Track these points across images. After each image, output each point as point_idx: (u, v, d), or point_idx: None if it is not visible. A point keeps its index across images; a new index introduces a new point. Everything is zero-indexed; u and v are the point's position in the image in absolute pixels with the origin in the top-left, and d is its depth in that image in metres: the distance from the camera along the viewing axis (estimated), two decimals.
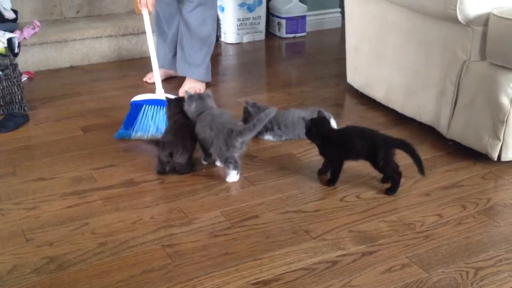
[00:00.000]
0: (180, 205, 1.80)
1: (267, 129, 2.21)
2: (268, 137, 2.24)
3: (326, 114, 2.25)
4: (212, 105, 2.04)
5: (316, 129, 1.89)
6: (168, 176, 1.97)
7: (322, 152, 1.93)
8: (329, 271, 1.49)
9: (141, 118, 2.24)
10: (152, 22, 2.48)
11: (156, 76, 2.37)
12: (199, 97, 2.03)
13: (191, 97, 2.02)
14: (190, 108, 2.00)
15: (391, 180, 1.88)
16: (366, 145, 1.84)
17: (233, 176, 1.94)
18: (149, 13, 2.43)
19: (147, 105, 2.26)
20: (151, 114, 2.25)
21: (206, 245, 1.60)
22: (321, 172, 1.97)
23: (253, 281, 1.46)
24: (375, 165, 1.86)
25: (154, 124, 2.22)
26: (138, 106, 2.27)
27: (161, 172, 1.97)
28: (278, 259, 1.54)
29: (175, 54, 2.83)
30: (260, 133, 2.22)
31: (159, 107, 2.26)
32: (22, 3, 3.17)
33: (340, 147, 1.88)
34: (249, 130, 1.89)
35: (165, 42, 2.85)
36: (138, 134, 2.22)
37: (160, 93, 2.29)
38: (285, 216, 1.75)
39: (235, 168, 1.92)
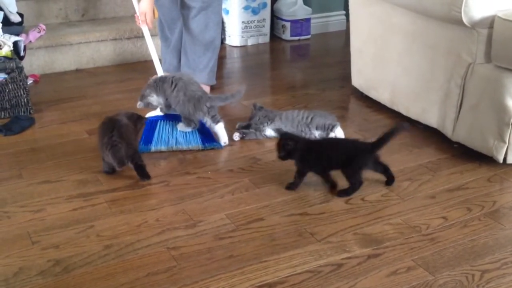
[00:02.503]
0: (185, 207, 1.81)
1: (266, 123, 2.28)
2: (269, 132, 2.28)
3: (332, 119, 2.27)
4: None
5: (293, 145, 1.85)
6: (173, 178, 1.97)
7: (300, 165, 1.89)
8: (335, 274, 1.49)
9: (159, 133, 2.22)
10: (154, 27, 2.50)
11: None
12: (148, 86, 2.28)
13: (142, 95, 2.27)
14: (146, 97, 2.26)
15: (386, 175, 1.92)
16: (345, 155, 1.84)
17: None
18: (149, 28, 2.46)
19: (163, 121, 2.27)
20: (168, 128, 2.24)
21: (211, 247, 1.61)
22: (331, 187, 1.91)
23: (258, 284, 1.46)
24: (349, 172, 1.85)
25: (172, 137, 2.21)
26: (154, 122, 2.26)
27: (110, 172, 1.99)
28: (284, 262, 1.54)
29: (180, 60, 2.84)
30: (260, 129, 2.28)
31: (175, 122, 2.26)
32: (28, 6, 3.18)
33: (319, 157, 1.87)
34: (219, 99, 2.21)
35: (168, 47, 2.86)
36: (158, 147, 2.18)
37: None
38: (290, 218, 1.75)
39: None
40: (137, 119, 2.08)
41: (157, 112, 2.31)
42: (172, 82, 2.20)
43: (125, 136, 1.94)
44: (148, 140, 2.18)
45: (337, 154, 1.87)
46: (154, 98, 2.24)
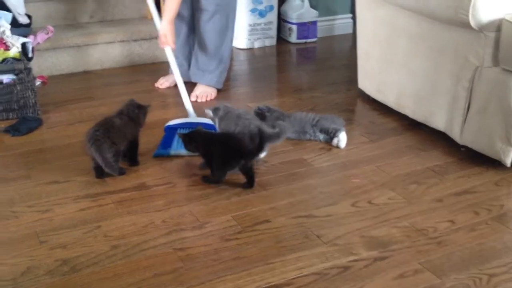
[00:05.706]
0: (191, 209, 1.81)
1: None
2: None
3: (339, 124, 2.26)
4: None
5: (188, 139, 1.97)
6: (180, 180, 1.98)
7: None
8: (341, 276, 1.49)
9: (179, 138, 2.18)
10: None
11: (186, 103, 2.37)
12: (225, 106, 2.23)
13: (216, 108, 2.21)
14: (218, 113, 2.19)
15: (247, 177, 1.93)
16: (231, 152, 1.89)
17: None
18: (172, 50, 2.45)
19: (182, 129, 2.22)
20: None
21: (218, 249, 1.61)
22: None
23: (265, 286, 1.46)
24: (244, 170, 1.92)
25: None
26: (173, 130, 2.23)
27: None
28: (290, 264, 1.54)
29: (186, 58, 2.83)
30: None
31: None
32: (36, 8, 3.20)
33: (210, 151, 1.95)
34: (276, 136, 1.98)
35: (176, 44, 2.84)
36: (178, 151, 2.15)
37: (193, 117, 2.31)
38: (297, 220, 1.75)
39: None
40: (139, 111, 2.07)
41: (178, 121, 2.28)
42: (234, 123, 2.14)
43: (111, 135, 1.93)
44: (168, 144, 2.17)
45: (225, 150, 1.90)
46: (215, 119, 2.22)
